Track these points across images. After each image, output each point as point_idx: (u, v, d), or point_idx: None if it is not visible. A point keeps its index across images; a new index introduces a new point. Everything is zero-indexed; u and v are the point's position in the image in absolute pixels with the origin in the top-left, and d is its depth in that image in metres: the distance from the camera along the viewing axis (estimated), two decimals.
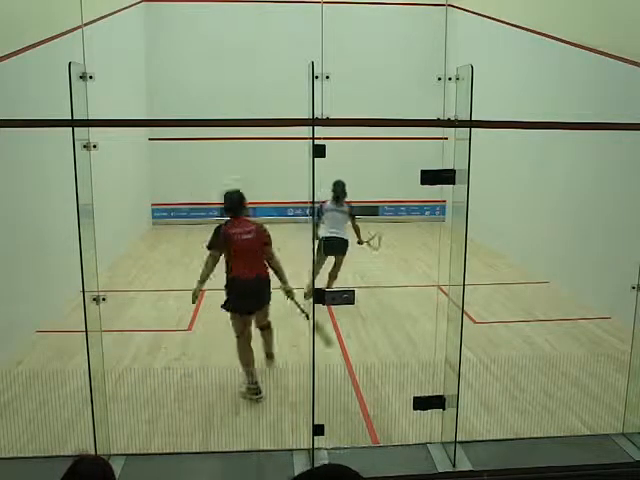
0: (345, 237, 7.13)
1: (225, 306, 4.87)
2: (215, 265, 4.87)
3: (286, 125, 3.75)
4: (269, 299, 5.08)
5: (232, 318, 4.89)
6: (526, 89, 8.92)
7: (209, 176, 12.41)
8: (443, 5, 11.92)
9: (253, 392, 4.77)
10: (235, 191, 5.23)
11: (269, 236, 5.13)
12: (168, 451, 4.03)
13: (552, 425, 4.37)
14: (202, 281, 4.85)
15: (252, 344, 4.98)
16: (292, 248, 10.54)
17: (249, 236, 4.92)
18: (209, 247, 4.92)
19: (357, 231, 7.33)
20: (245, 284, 4.82)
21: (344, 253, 7.17)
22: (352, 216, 7.25)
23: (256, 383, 4.79)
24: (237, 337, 4.90)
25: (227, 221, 5.00)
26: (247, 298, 4.85)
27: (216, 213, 12.90)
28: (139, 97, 11.58)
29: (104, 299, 3.66)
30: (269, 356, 5.41)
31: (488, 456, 3.94)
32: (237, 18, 12.18)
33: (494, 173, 9.70)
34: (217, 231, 4.93)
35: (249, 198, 5.21)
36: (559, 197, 8.10)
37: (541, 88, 8.42)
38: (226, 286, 4.90)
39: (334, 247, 6.99)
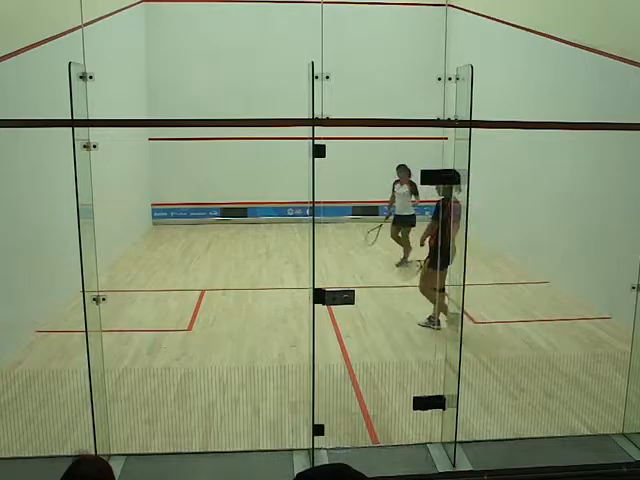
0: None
1: None
2: None
3: (286, 125, 3.75)
4: None
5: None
6: (526, 89, 8.92)
7: (209, 176, 12.44)
8: (443, 5, 11.92)
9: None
10: None
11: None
12: (168, 451, 4.03)
13: (552, 425, 4.36)
14: None
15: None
16: (294, 248, 10.58)
17: None
18: None
19: None
20: None
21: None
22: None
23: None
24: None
25: None
26: None
27: (216, 213, 12.93)
28: (139, 97, 11.58)
29: (104, 299, 3.66)
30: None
31: (488, 456, 3.94)
32: (237, 18, 12.18)
33: (494, 173, 9.70)
34: None
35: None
36: (559, 197, 8.10)
37: (541, 88, 8.42)
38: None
39: None
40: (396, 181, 9.16)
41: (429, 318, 6.32)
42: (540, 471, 3.74)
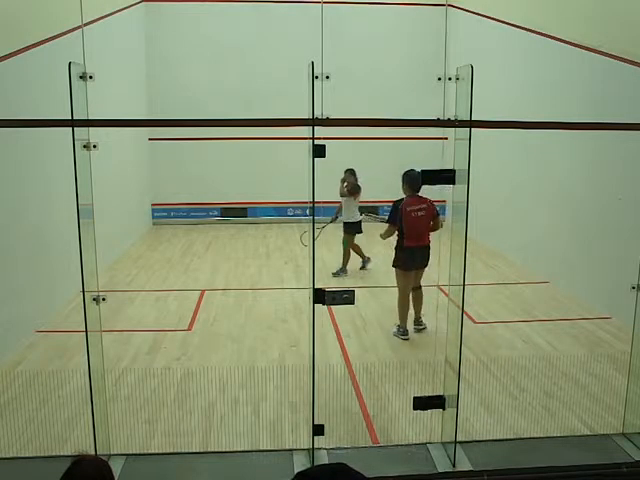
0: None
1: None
2: None
3: (286, 125, 3.75)
4: None
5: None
6: (526, 89, 8.92)
7: (209, 176, 12.45)
8: (443, 5, 11.92)
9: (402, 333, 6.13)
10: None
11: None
12: (168, 451, 4.03)
13: (552, 425, 4.37)
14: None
15: None
16: (294, 248, 10.58)
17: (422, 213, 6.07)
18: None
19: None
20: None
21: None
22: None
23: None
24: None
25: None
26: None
27: (216, 213, 12.93)
28: (139, 97, 11.58)
29: (104, 299, 3.66)
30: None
31: (488, 456, 3.94)
32: (237, 18, 12.18)
33: (493, 173, 9.70)
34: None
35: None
36: (559, 197, 8.10)
37: (541, 88, 8.43)
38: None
39: None
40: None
41: (398, 327, 6.24)
42: (540, 471, 3.74)
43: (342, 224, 8.71)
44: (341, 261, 8.67)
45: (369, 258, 8.87)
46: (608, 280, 6.66)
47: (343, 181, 8.71)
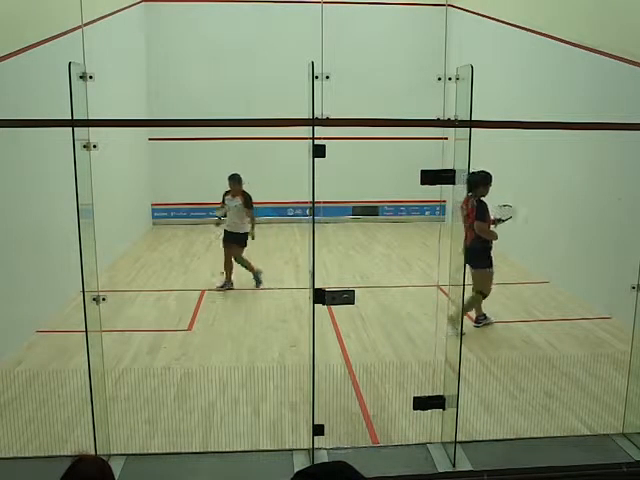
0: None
1: None
2: None
3: (286, 125, 3.75)
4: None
5: None
6: (526, 89, 8.92)
7: (209, 176, 12.43)
8: (443, 5, 11.91)
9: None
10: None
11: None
12: (168, 451, 4.03)
13: (552, 425, 4.37)
14: None
15: None
16: (294, 248, 10.58)
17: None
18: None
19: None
20: None
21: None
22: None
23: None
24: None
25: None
26: None
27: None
28: (139, 97, 11.58)
29: (104, 299, 3.66)
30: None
31: (488, 456, 3.94)
32: (237, 18, 12.18)
33: (493, 173, 9.68)
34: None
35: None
36: (559, 197, 8.10)
37: (541, 88, 8.42)
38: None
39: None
40: (227, 192, 7.86)
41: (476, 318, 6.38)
42: (540, 471, 3.74)
43: (226, 235, 7.90)
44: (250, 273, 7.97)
45: (260, 270, 8.02)
46: (608, 280, 6.66)
47: (240, 191, 7.81)
